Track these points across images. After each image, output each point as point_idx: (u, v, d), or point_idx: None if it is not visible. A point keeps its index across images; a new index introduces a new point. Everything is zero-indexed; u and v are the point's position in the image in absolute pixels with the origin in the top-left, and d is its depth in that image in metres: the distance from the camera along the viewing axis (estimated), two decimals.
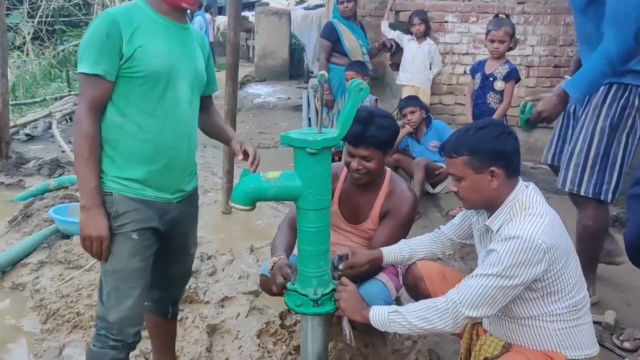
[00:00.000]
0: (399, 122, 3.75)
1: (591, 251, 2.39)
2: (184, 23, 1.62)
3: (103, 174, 1.57)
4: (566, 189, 2.37)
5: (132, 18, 1.51)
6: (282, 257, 1.91)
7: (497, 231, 1.58)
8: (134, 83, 1.52)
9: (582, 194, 2.33)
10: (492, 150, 1.54)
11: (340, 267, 1.77)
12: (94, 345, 1.62)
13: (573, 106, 2.47)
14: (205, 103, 1.82)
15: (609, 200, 2.31)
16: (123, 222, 1.57)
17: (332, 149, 1.60)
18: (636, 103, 2.24)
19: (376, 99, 4.31)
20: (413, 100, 4.14)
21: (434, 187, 4.06)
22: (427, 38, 4.77)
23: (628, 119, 2.24)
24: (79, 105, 1.51)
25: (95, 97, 1.50)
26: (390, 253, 1.91)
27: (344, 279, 1.71)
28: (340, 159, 4.49)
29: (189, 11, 1.65)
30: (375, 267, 1.93)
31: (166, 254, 1.73)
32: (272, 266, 1.87)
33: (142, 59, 1.50)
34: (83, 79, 1.50)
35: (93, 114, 1.50)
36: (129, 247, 1.58)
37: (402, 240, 1.96)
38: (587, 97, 2.35)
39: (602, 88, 2.29)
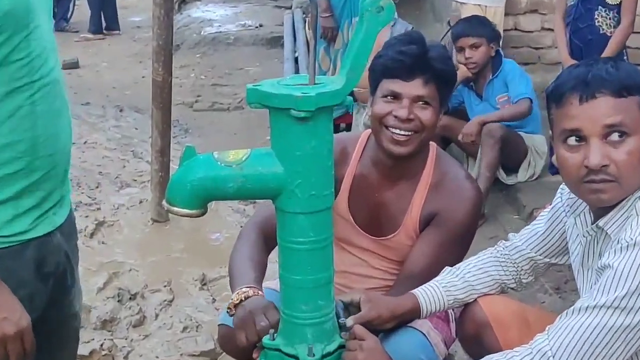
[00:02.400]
0: None
1: None
2: None
3: None
4: None
5: None
6: (255, 290, 1.90)
7: (615, 235, 1.58)
8: None
9: None
10: None
11: (348, 323, 1.77)
12: None
13: None
14: None
15: None
16: None
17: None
18: None
19: (412, 28, 4.29)
20: (475, 24, 4.10)
21: (508, 172, 4.06)
22: None
23: None
24: None
25: None
26: (432, 297, 1.92)
27: (359, 329, 1.72)
28: (348, 127, 4.52)
29: None
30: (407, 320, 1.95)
31: (44, 334, 1.66)
32: (238, 302, 1.87)
33: None
34: None
35: None
36: None
37: (448, 269, 1.99)
38: None
39: None
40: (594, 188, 1.56)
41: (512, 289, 2.03)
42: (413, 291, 1.92)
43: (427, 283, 1.95)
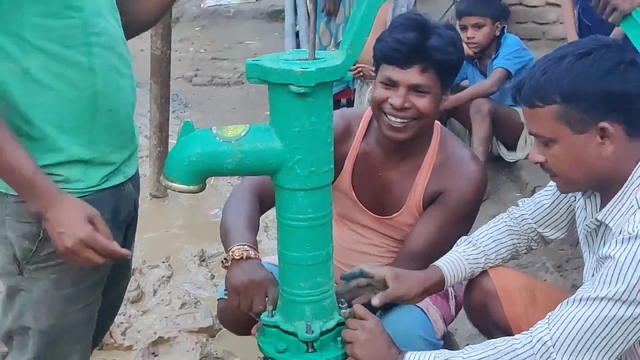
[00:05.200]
0: None
1: None
2: None
3: None
4: None
5: None
6: (256, 253, 1.90)
7: (616, 227, 1.59)
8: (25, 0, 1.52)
9: None
10: (603, 94, 1.55)
11: (375, 302, 1.81)
12: None
13: None
14: None
15: None
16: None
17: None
18: None
19: (415, 1, 4.27)
20: (479, 2, 4.07)
21: (510, 148, 4.07)
22: None
23: None
24: None
25: None
26: (456, 268, 1.95)
27: (360, 309, 1.73)
28: (350, 103, 4.52)
29: None
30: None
31: (111, 273, 1.81)
32: (238, 258, 1.87)
33: None
34: None
35: None
36: (65, 288, 1.65)
37: (463, 239, 2.02)
38: None
39: None
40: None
41: (525, 253, 2.09)
42: (436, 263, 1.95)
43: (448, 254, 1.98)
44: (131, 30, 1.85)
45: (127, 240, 1.88)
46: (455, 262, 1.95)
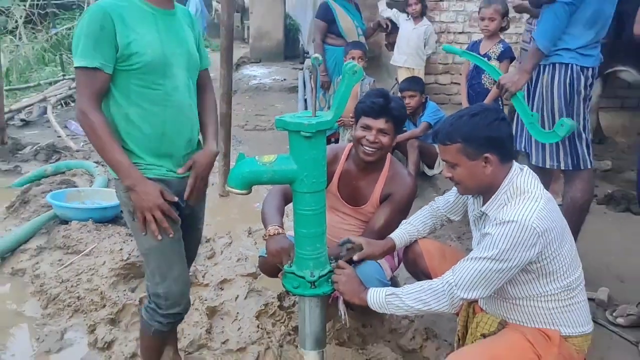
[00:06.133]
0: None
1: (576, 224, 2.45)
2: (170, 8, 1.70)
3: None
4: (547, 166, 2.47)
5: (122, 10, 1.58)
6: (282, 230, 1.91)
7: (492, 216, 1.59)
8: (132, 76, 1.59)
9: (562, 168, 2.45)
10: (485, 138, 1.56)
11: (355, 258, 1.81)
12: (142, 316, 1.80)
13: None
14: (200, 79, 1.83)
15: (589, 167, 2.44)
16: None
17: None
18: (581, 77, 2.36)
19: (374, 81, 4.28)
20: (414, 83, 4.06)
21: (430, 167, 4.06)
22: (424, 18, 4.70)
23: (577, 94, 2.38)
24: (80, 99, 1.57)
25: (96, 89, 1.57)
26: (401, 238, 1.96)
27: (341, 262, 1.75)
28: (337, 141, 4.56)
29: None
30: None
31: (185, 227, 1.79)
32: (272, 234, 1.87)
33: (138, 50, 1.57)
34: (81, 73, 1.56)
35: (97, 105, 1.58)
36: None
37: (404, 222, 2.01)
38: (534, 76, 2.47)
39: (547, 68, 2.41)
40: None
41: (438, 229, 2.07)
42: (390, 236, 1.95)
43: (396, 230, 1.98)
44: None
45: (195, 209, 1.84)
46: (401, 235, 1.96)
